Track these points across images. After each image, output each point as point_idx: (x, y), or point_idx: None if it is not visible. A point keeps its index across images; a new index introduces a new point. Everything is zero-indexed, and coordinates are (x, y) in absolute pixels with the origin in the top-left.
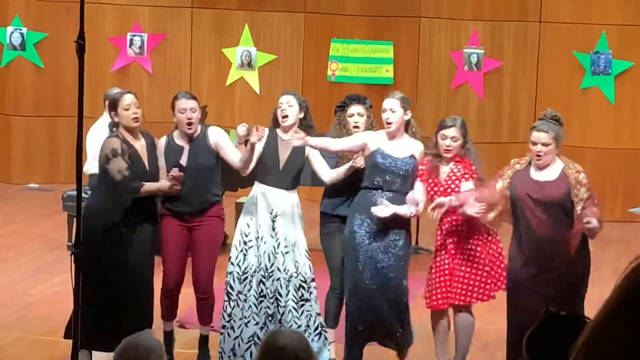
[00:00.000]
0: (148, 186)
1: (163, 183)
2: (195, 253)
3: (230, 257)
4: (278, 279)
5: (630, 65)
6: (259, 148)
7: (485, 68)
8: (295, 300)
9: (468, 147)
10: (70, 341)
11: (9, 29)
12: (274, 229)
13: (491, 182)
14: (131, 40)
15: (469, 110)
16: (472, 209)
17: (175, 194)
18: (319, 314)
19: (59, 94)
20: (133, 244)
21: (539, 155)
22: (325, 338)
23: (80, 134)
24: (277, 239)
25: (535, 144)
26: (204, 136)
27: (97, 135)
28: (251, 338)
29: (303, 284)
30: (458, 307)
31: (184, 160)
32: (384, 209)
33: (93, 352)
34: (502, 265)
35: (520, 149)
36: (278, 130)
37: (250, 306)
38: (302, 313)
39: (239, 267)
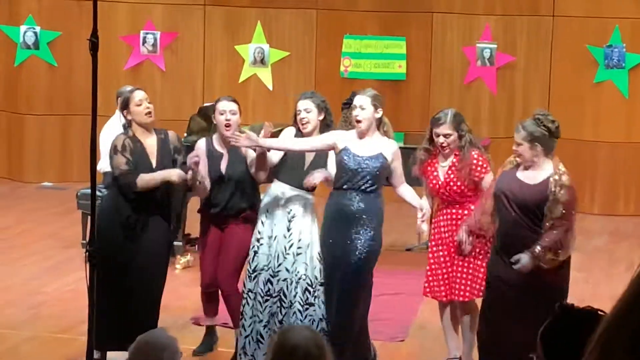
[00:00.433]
0: (146, 177)
1: (166, 173)
2: (222, 251)
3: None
4: (284, 280)
5: None
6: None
7: (498, 63)
8: (302, 303)
9: (468, 138)
10: (84, 339)
11: (23, 28)
12: (289, 229)
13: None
14: (144, 38)
15: (481, 106)
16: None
17: (191, 184)
18: (322, 319)
19: (72, 92)
20: (146, 241)
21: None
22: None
23: (94, 132)
24: (290, 240)
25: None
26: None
27: (110, 133)
28: (256, 338)
29: (309, 287)
30: (461, 303)
31: (223, 167)
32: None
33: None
34: None
35: None
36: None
37: (257, 304)
38: (305, 317)
39: (249, 264)
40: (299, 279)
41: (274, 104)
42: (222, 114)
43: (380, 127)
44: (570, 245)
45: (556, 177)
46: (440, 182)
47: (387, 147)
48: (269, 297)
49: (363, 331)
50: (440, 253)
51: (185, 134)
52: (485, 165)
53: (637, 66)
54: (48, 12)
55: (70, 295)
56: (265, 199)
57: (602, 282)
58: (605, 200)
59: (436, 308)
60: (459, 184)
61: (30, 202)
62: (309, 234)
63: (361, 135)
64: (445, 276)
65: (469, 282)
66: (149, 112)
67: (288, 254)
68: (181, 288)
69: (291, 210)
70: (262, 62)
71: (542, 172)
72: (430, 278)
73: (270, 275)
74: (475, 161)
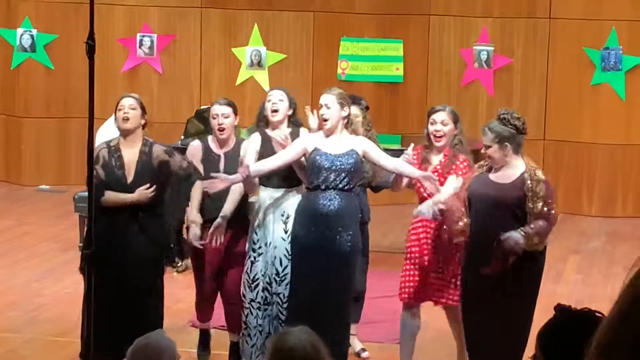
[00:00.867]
0: (112, 197)
1: (131, 197)
2: (224, 260)
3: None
4: (288, 284)
5: None
6: (254, 156)
7: (495, 65)
8: None
9: (460, 139)
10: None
11: (19, 30)
12: (286, 232)
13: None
14: (141, 40)
15: (479, 108)
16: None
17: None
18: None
19: (69, 95)
20: (137, 246)
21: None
22: None
23: (91, 135)
24: (291, 242)
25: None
26: (238, 147)
27: (106, 134)
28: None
29: None
30: (444, 308)
31: (221, 170)
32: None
33: None
34: None
35: (530, 146)
36: (267, 130)
37: (259, 313)
38: None
39: (248, 274)
40: None
41: None
42: (214, 118)
43: (348, 125)
44: (547, 236)
45: (530, 172)
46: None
47: (357, 143)
48: (267, 306)
49: (346, 334)
50: (417, 254)
51: (182, 137)
52: (467, 169)
53: (634, 68)
54: (45, 15)
55: (69, 298)
56: (256, 207)
57: (600, 283)
58: (603, 202)
59: (434, 310)
60: (442, 180)
61: (28, 204)
62: None
63: (329, 134)
64: (420, 280)
65: (449, 288)
66: (126, 118)
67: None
68: (179, 291)
69: (284, 212)
70: (259, 64)
71: (514, 170)
72: (407, 282)
73: (267, 282)
74: (458, 162)
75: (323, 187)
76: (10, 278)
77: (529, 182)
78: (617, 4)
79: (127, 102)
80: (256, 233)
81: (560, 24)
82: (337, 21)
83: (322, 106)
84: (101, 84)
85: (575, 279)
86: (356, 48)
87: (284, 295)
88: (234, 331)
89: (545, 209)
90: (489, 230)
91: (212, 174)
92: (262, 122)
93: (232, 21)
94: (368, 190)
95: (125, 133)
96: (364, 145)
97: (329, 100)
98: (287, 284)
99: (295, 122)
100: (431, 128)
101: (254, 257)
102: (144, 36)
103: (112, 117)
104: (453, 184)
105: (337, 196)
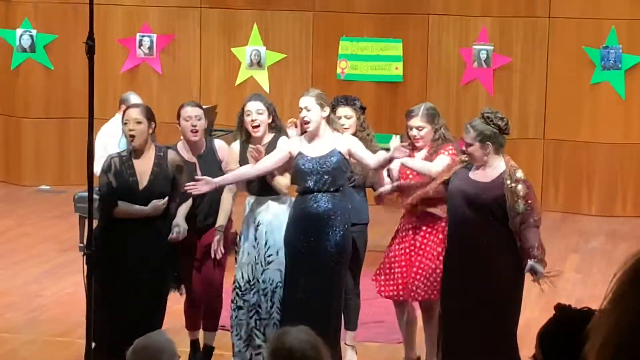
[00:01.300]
0: (123, 208)
1: (147, 209)
2: (202, 261)
3: None
4: (258, 291)
5: None
6: (233, 165)
7: (495, 64)
8: (279, 313)
9: (442, 133)
10: (83, 342)
11: (19, 31)
12: (256, 239)
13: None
14: (140, 41)
15: (478, 107)
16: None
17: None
18: None
19: (69, 95)
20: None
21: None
22: None
23: (91, 135)
24: (258, 250)
25: None
26: (211, 149)
27: (106, 134)
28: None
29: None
30: (420, 303)
31: (199, 175)
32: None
33: None
34: None
35: (530, 145)
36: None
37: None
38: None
39: (237, 282)
40: (275, 287)
41: None
42: (187, 120)
43: (330, 124)
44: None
45: (510, 172)
46: (414, 172)
47: (340, 142)
48: (240, 311)
49: (336, 336)
50: (398, 252)
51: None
52: (454, 155)
53: (633, 67)
54: (44, 15)
55: (69, 299)
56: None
57: (600, 283)
58: (603, 202)
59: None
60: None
61: (27, 205)
62: (279, 239)
63: (311, 136)
64: (400, 275)
65: (427, 282)
66: (132, 136)
67: (257, 263)
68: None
69: (256, 218)
70: (259, 64)
71: (494, 169)
72: (384, 277)
73: (239, 289)
74: (443, 151)
75: (309, 190)
76: (10, 279)
77: (508, 182)
78: (616, 3)
79: (133, 115)
80: (240, 238)
81: (559, 23)
82: (336, 21)
83: (302, 109)
84: (101, 84)
85: (575, 278)
86: (355, 48)
87: (250, 303)
88: (206, 329)
89: (528, 209)
90: (466, 227)
91: (196, 177)
92: (243, 134)
93: (231, 21)
94: (368, 190)
95: (133, 148)
96: (348, 144)
97: (309, 102)
98: (254, 293)
99: (276, 127)
100: (410, 132)
101: (236, 263)
102: (143, 36)
103: (113, 118)
104: (440, 161)
105: (324, 197)
